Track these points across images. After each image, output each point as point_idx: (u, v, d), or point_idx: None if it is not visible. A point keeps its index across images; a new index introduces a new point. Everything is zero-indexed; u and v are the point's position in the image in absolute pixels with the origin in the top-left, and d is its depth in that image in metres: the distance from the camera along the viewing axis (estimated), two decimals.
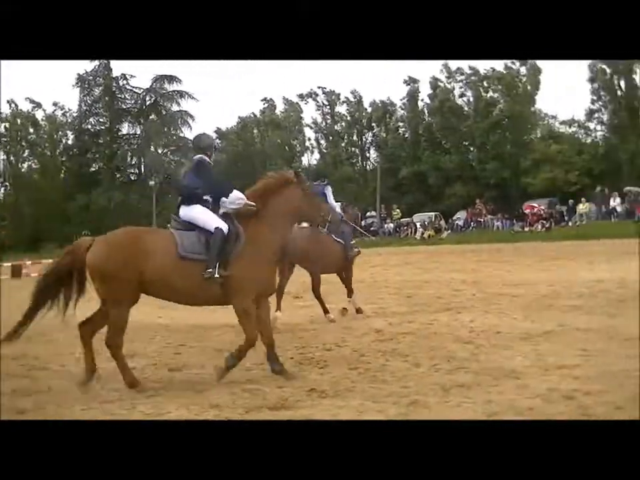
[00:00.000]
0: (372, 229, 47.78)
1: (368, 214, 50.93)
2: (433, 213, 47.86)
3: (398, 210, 47.73)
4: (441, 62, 58.35)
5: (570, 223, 38.79)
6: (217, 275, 6.68)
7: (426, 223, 46.20)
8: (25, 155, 69.58)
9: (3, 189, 69.22)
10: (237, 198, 7.07)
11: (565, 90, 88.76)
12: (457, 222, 46.53)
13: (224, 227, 6.84)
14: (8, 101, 68.08)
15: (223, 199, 7.04)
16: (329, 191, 14.54)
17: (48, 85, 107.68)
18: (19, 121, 68.31)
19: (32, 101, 68.65)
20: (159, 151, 69.94)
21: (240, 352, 6.70)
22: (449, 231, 43.06)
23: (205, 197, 7.06)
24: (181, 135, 70.15)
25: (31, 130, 69.19)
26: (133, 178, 69.68)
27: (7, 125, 68.22)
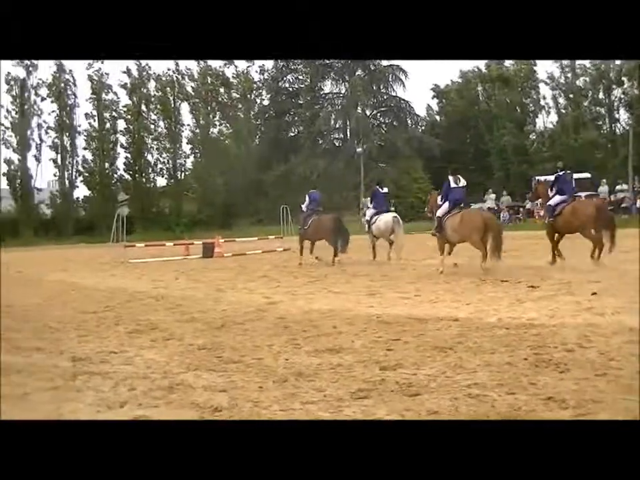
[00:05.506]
0: (623, 205, 45.34)
1: (617, 187, 48.63)
2: None
3: None
4: None
5: None
6: None
7: None
8: (216, 118, 71.22)
9: (192, 156, 70.92)
10: None
11: None
12: None
13: None
14: None
15: None
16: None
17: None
18: (209, 79, 69.40)
19: None
20: (367, 113, 70.41)
21: None
22: None
23: None
24: (392, 93, 70.55)
25: (222, 90, 70.21)
26: (337, 144, 70.44)
27: (195, 84, 69.78)
